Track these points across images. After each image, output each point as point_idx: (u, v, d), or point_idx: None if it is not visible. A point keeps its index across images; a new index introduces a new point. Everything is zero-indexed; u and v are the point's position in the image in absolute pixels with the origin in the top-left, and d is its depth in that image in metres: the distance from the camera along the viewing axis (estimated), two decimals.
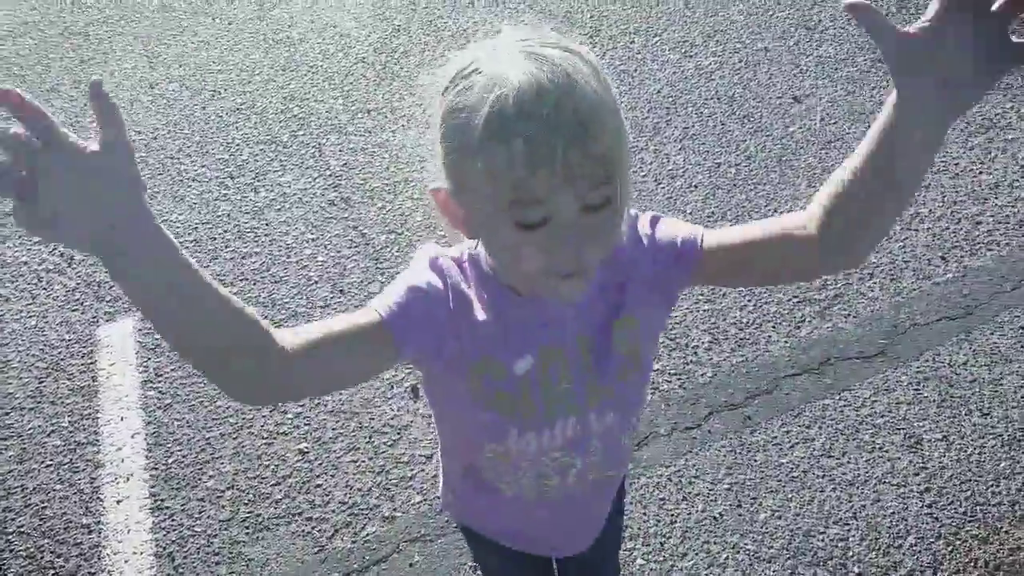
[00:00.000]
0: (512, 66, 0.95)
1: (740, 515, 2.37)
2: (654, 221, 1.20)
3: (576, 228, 0.97)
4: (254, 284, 3.29)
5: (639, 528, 2.35)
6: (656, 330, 1.26)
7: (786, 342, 2.83)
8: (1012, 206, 3.25)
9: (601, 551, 1.58)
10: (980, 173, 3.42)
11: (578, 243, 0.98)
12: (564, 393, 1.20)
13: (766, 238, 1.12)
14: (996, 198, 3.30)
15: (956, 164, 3.47)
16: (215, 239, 3.54)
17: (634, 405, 1.32)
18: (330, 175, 3.83)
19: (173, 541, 2.47)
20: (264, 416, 2.78)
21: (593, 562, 1.62)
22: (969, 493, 2.38)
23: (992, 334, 2.80)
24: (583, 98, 0.94)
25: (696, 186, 3.53)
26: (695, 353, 2.83)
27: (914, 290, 2.97)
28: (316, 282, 3.27)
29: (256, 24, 5.13)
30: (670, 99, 4.06)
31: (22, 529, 2.55)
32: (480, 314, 1.14)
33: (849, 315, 2.90)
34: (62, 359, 3.08)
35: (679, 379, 2.74)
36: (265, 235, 3.54)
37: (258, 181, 3.85)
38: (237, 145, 4.09)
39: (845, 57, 4.20)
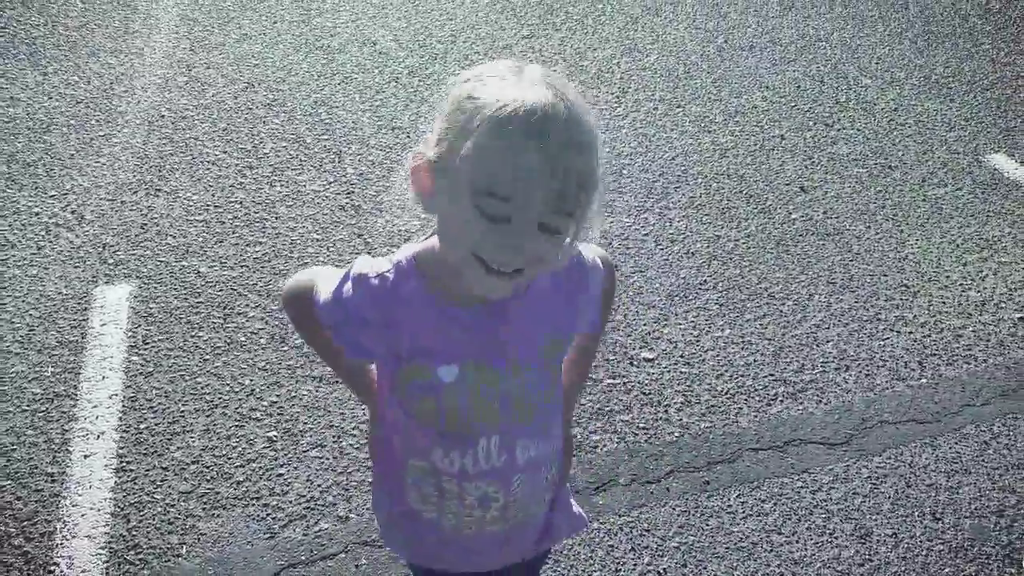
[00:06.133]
0: (533, 87, 1.06)
1: (684, 575, 2.42)
2: (600, 282, 1.37)
3: (528, 240, 1.07)
4: (253, 272, 3.36)
5: (583, 570, 2.40)
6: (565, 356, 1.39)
7: (755, 416, 2.90)
8: (995, 325, 3.34)
9: None
10: (969, 289, 3.52)
11: (523, 253, 1.08)
12: (489, 406, 1.26)
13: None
14: (980, 315, 3.39)
15: (947, 276, 3.57)
16: (224, 223, 3.62)
17: (553, 438, 1.38)
18: (345, 182, 3.92)
19: (132, 503, 2.51)
20: (240, 399, 2.83)
21: None
22: None
23: (957, 443, 2.87)
24: (582, 137, 1.05)
25: (693, 254, 3.62)
26: (666, 412, 2.89)
27: (887, 389, 3.04)
28: None
29: (300, 27, 5.26)
30: (682, 168, 4.17)
31: None
32: (409, 322, 1.22)
33: (821, 401, 2.97)
34: (56, 312, 3.14)
35: (646, 433, 2.81)
36: (273, 228, 3.62)
37: (275, 176, 3.94)
38: (261, 138, 4.18)
39: (857, 158, 4.32)
